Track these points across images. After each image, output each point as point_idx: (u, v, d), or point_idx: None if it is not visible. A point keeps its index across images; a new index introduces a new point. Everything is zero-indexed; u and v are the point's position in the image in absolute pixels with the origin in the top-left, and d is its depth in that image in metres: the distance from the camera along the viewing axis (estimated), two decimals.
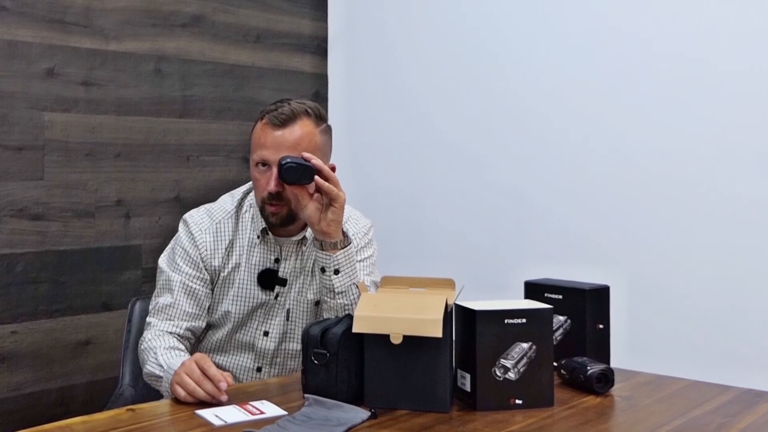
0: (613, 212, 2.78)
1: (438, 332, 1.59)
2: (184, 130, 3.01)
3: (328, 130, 2.04)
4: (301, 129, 1.96)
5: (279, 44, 3.32)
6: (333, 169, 1.97)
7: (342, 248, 1.92)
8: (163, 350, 1.90)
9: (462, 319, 1.70)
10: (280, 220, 2.01)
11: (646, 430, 1.56)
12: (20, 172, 2.60)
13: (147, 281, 2.87)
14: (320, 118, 2.01)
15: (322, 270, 1.93)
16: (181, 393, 1.68)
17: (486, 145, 3.07)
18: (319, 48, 3.48)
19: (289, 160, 1.87)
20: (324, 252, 1.92)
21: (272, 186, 1.95)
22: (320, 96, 3.43)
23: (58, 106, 2.68)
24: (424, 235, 3.22)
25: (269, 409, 1.62)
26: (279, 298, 2.06)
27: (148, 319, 2.04)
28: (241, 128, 3.17)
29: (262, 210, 2.02)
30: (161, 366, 1.85)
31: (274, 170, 1.94)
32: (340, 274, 1.91)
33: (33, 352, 2.63)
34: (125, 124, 2.84)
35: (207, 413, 1.59)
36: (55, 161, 2.67)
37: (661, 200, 2.68)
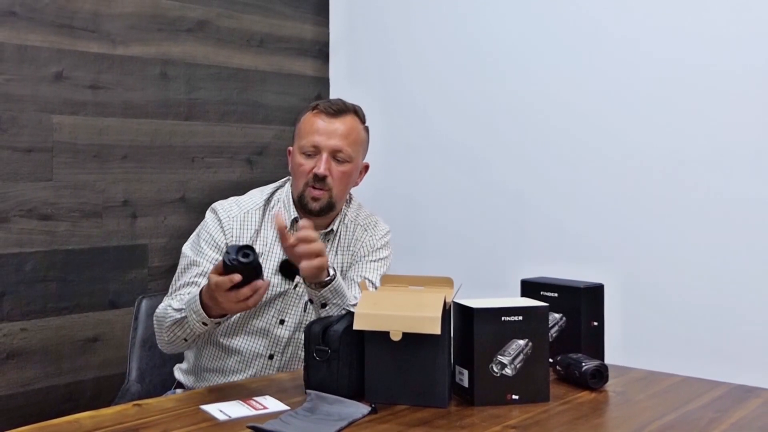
0: (608, 213, 2.78)
1: (436, 329, 1.59)
2: (189, 132, 3.01)
3: (367, 131, 2.13)
4: (351, 122, 2.07)
5: (282, 48, 3.32)
6: (366, 167, 2.14)
7: (326, 285, 1.87)
8: (176, 302, 1.93)
9: (460, 316, 1.70)
10: (320, 206, 2.03)
11: (639, 424, 1.56)
12: (30, 174, 2.60)
13: (153, 280, 2.87)
14: (364, 119, 2.12)
15: (310, 301, 1.95)
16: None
17: (484, 147, 3.07)
18: (321, 52, 3.48)
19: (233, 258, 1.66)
20: (310, 288, 1.90)
21: (321, 168, 2.00)
22: (322, 99, 3.42)
23: (67, 109, 2.69)
24: (423, 235, 3.22)
25: (272, 405, 1.62)
26: (298, 288, 2.06)
27: (164, 300, 2.04)
28: (244, 130, 3.17)
29: (301, 197, 2.03)
30: (180, 309, 1.88)
31: (324, 155, 2.01)
32: (327, 307, 1.90)
33: (42, 349, 2.63)
34: (132, 127, 2.85)
35: (212, 408, 1.59)
36: (64, 163, 2.68)
37: (654, 201, 2.68)
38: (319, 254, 1.79)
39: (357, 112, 2.10)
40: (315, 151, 2.02)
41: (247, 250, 1.64)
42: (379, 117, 3.35)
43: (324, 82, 3.48)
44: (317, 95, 3.41)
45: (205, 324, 1.85)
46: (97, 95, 2.76)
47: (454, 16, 3.15)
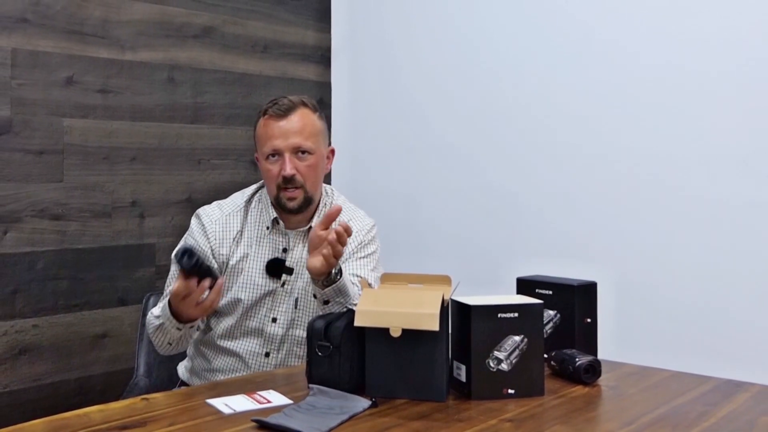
0: (601, 213, 2.78)
1: (435, 326, 1.59)
2: (196, 135, 3.02)
3: (324, 118, 2.11)
4: (303, 116, 2.04)
5: (285, 54, 3.32)
6: (332, 152, 2.12)
7: (330, 284, 1.87)
8: (157, 309, 1.96)
9: (458, 313, 1.70)
10: (298, 205, 2.03)
11: (631, 418, 1.56)
12: (41, 175, 2.60)
13: (160, 278, 2.87)
14: (315, 107, 2.09)
15: (314, 296, 1.95)
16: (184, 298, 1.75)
17: (481, 149, 3.07)
18: (323, 57, 3.48)
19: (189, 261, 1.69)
20: (315, 285, 1.90)
21: (288, 169, 1.99)
22: (324, 103, 3.43)
23: (77, 113, 2.69)
24: (421, 234, 3.22)
25: (276, 399, 1.62)
26: (286, 286, 2.06)
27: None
28: (249, 133, 3.15)
29: (277, 200, 2.02)
30: (158, 316, 1.91)
31: (287, 156, 2.00)
32: (329, 305, 1.89)
33: (53, 345, 2.64)
34: (140, 130, 2.85)
35: (217, 402, 1.59)
36: (74, 164, 2.68)
37: (646, 202, 2.69)
38: (330, 263, 1.79)
39: (306, 104, 2.06)
40: (277, 155, 2.02)
41: (189, 252, 1.67)
42: (379, 120, 3.36)
43: (326, 86, 3.48)
44: (319, 99, 3.41)
45: (179, 329, 1.87)
46: (107, 99, 2.76)
47: (452, 22, 3.15)
